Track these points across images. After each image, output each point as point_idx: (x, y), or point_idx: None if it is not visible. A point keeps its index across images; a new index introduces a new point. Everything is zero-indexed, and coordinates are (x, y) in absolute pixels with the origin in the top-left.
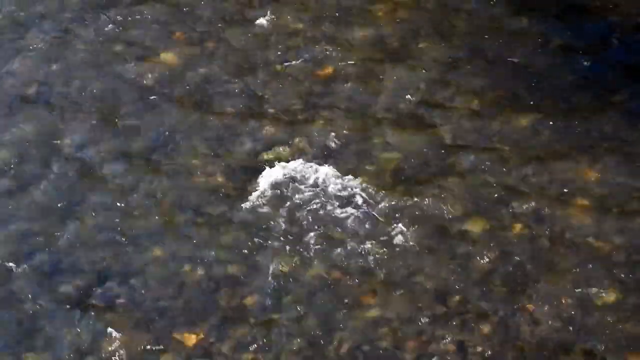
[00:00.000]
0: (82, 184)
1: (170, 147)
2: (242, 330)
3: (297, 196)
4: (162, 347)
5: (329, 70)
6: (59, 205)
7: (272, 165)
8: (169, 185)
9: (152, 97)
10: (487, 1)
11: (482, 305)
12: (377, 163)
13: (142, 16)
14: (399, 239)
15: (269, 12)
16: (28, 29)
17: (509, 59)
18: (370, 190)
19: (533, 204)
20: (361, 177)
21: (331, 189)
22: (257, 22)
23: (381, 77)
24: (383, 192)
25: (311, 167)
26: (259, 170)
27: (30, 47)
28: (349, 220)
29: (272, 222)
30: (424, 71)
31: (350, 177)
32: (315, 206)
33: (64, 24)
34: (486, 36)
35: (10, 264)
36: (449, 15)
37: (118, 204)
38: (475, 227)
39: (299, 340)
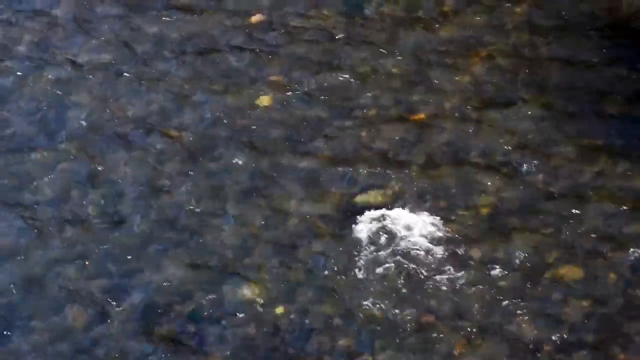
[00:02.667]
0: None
1: (266, 187)
2: None
3: (391, 239)
4: None
5: (424, 115)
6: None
7: (366, 209)
8: (262, 224)
9: (247, 138)
10: (583, 49)
11: (574, 356)
12: (472, 208)
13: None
14: (492, 285)
15: (367, 56)
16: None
17: (604, 107)
18: (464, 235)
19: (630, 252)
20: (455, 222)
21: (425, 233)
22: (353, 65)
23: (477, 123)
24: (477, 237)
25: (405, 211)
26: (353, 213)
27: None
28: (443, 265)
29: (364, 265)
30: (519, 118)
31: (444, 221)
32: (409, 249)
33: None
34: (582, 84)
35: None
36: (545, 63)
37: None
38: (569, 274)
39: None
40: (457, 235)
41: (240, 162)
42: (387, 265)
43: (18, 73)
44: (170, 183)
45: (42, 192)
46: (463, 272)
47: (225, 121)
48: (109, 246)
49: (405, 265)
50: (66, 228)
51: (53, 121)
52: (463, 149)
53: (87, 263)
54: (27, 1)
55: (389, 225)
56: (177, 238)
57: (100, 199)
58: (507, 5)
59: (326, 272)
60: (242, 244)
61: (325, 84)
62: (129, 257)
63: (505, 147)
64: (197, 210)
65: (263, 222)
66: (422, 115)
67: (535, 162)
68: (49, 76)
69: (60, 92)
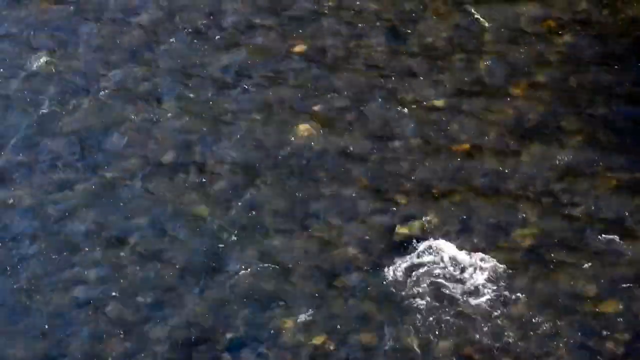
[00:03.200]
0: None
1: (306, 217)
2: None
3: (430, 271)
4: None
5: (466, 146)
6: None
7: (406, 239)
8: (303, 254)
9: (288, 167)
10: (627, 80)
11: None
12: (511, 240)
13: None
14: (531, 319)
15: (409, 87)
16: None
17: None
18: (503, 267)
19: None
20: (495, 254)
21: (464, 265)
22: (396, 96)
23: (518, 154)
24: (516, 270)
25: (445, 242)
26: (392, 244)
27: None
28: (481, 298)
29: (404, 296)
30: (561, 149)
31: (483, 254)
32: (447, 282)
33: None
34: (625, 116)
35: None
36: (588, 94)
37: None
38: (608, 308)
39: None
40: (496, 267)
41: (280, 191)
42: (426, 295)
43: None
44: (210, 210)
45: None
46: (501, 304)
47: (266, 150)
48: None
49: (444, 295)
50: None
51: None
52: (504, 180)
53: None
54: None
55: (429, 256)
56: (215, 266)
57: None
58: (549, 35)
59: (366, 302)
60: (283, 273)
61: (367, 114)
62: (167, 286)
63: (547, 178)
64: (235, 238)
65: (303, 251)
66: (465, 146)
67: (577, 193)
68: None
69: None
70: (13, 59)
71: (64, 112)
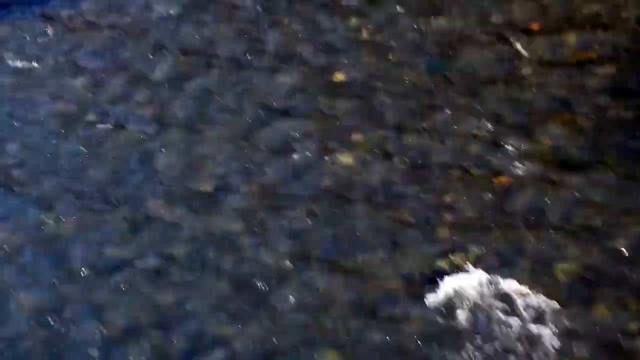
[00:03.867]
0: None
1: (346, 248)
2: None
3: (472, 306)
4: None
5: (507, 178)
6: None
7: (447, 273)
8: (344, 285)
9: (329, 197)
10: None
11: None
12: (553, 275)
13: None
14: (571, 352)
15: (449, 117)
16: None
17: None
18: (544, 302)
19: None
20: (536, 289)
21: (505, 298)
22: (435, 126)
23: (559, 187)
24: (557, 304)
25: (487, 276)
26: (434, 277)
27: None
28: (521, 329)
29: (447, 331)
30: (600, 182)
31: (525, 288)
32: (490, 316)
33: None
34: None
35: None
36: (629, 127)
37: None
38: None
39: None
40: (537, 300)
41: (321, 221)
42: (467, 328)
43: None
44: (246, 240)
45: None
46: (541, 338)
47: (306, 180)
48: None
49: (485, 329)
50: None
51: None
52: (543, 213)
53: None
54: None
55: (469, 289)
56: (254, 300)
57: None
58: (591, 66)
59: (407, 336)
60: (323, 304)
61: (408, 145)
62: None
63: (588, 211)
64: (273, 268)
65: (344, 283)
66: (505, 178)
67: (616, 227)
68: None
69: None
70: None
71: None
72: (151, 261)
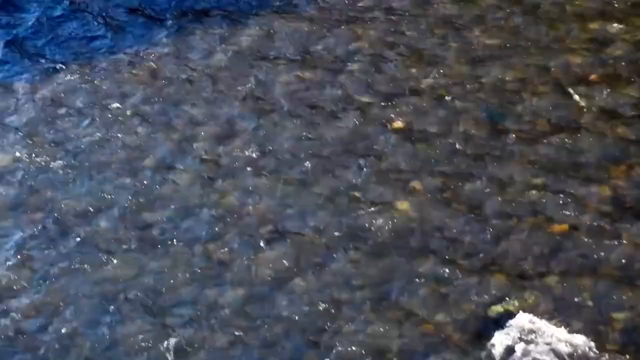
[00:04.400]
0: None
1: (399, 294)
2: None
3: (527, 353)
4: None
5: (563, 226)
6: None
7: (501, 319)
8: (396, 333)
9: (385, 243)
10: None
11: None
12: (607, 322)
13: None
14: None
15: (507, 165)
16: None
17: None
18: (598, 349)
19: None
20: (591, 336)
21: (561, 347)
22: (491, 175)
23: (617, 236)
24: (612, 352)
25: (542, 323)
26: (488, 324)
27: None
28: None
29: None
30: None
31: (580, 335)
32: None
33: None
34: None
35: None
36: None
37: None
38: None
39: None
40: (592, 349)
41: (375, 267)
42: None
43: None
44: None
45: None
46: None
47: (362, 226)
48: None
49: None
50: None
51: None
52: (601, 261)
53: None
54: None
55: (524, 337)
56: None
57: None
58: None
59: None
60: (377, 352)
61: (464, 192)
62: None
63: None
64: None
65: (397, 330)
66: (562, 226)
67: None
68: None
69: None
70: None
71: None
72: None
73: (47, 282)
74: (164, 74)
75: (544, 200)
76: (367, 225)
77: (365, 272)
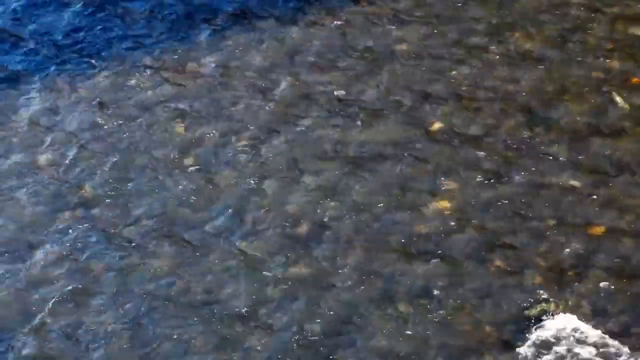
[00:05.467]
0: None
1: (441, 295)
2: None
3: (563, 353)
4: None
5: (601, 228)
6: None
7: (539, 320)
8: (434, 333)
9: (423, 244)
10: None
11: None
12: None
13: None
14: None
15: (547, 167)
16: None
17: None
18: (631, 350)
19: None
20: (630, 339)
21: (600, 349)
22: (529, 177)
23: None
24: None
25: (579, 325)
26: (526, 324)
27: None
28: None
29: None
30: None
31: (618, 337)
32: None
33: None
34: None
35: None
36: None
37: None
38: None
39: None
40: (629, 353)
41: (414, 268)
42: None
43: None
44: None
45: None
46: None
47: (401, 227)
48: None
49: None
50: None
51: None
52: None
53: None
54: None
55: (563, 339)
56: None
57: None
58: None
59: None
60: (416, 348)
61: (504, 193)
62: None
63: None
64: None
65: (436, 328)
66: (601, 229)
67: None
68: None
69: None
70: None
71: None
72: None
73: None
74: (205, 74)
75: (584, 202)
76: (404, 226)
77: (404, 272)
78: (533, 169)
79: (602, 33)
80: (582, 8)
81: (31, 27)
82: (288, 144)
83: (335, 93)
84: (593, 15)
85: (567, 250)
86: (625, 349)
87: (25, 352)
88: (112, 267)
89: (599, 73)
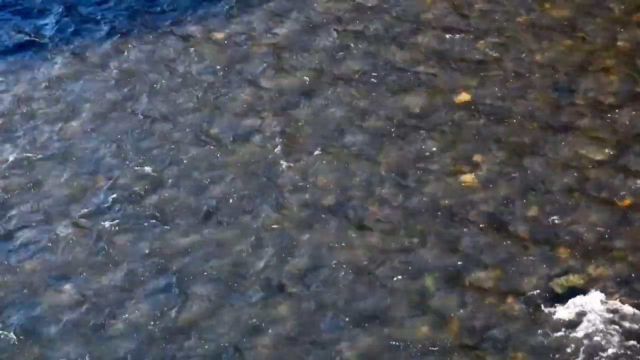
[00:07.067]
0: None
1: (462, 268)
2: None
3: (590, 326)
4: None
5: (627, 201)
6: None
7: (566, 292)
8: (461, 304)
9: (449, 215)
10: None
11: None
12: None
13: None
14: None
15: (572, 140)
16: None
17: None
18: None
19: None
20: None
21: (625, 321)
22: (555, 150)
23: None
24: None
25: (605, 297)
26: (551, 297)
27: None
28: (637, 353)
29: (564, 351)
30: None
31: None
32: (604, 336)
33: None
34: None
35: None
36: None
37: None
38: None
39: None
40: None
41: (440, 241)
42: (581, 349)
43: None
44: (369, 256)
45: None
46: None
47: (426, 199)
48: None
49: (601, 350)
50: None
51: None
52: None
53: None
54: None
55: (588, 310)
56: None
57: None
58: None
59: (520, 354)
60: (440, 322)
61: (528, 166)
62: None
63: None
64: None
65: (461, 301)
66: (626, 201)
67: None
68: None
69: None
70: None
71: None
72: None
73: None
74: (230, 45)
75: (609, 176)
76: (430, 198)
77: (430, 245)
78: (558, 140)
79: (628, 2)
80: None
81: None
82: (310, 115)
83: (362, 65)
84: None
85: (593, 223)
86: None
87: None
88: None
89: (626, 43)
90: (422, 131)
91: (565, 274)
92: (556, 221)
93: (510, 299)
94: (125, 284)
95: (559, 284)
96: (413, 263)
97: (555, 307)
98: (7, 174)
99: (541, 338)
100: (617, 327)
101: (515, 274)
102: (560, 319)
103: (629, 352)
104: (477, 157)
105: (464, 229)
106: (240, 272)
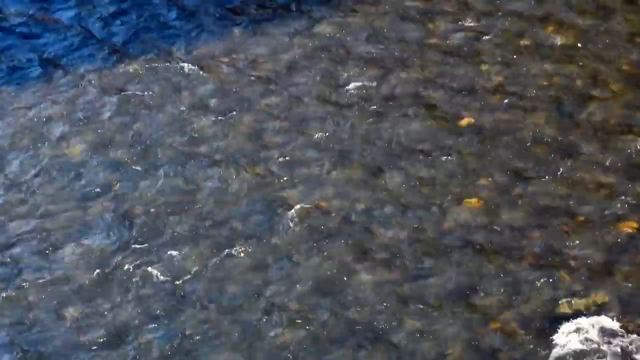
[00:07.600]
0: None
1: (466, 292)
2: None
3: (595, 351)
4: None
5: (633, 224)
6: None
7: (569, 317)
8: (463, 327)
9: (453, 240)
10: None
11: None
12: None
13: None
14: None
15: (577, 164)
16: None
17: None
18: None
19: None
20: None
21: (627, 345)
22: (560, 173)
23: None
24: None
25: (609, 321)
26: (555, 321)
27: None
28: None
29: None
30: None
31: None
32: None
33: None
34: None
35: None
36: None
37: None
38: None
39: None
40: None
41: (444, 264)
42: None
43: None
44: (373, 276)
45: None
46: None
47: (432, 224)
48: None
49: None
50: None
51: None
52: None
53: None
54: None
55: (592, 334)
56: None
57: None
58: None
59: None
60: (439, 346)
61: (532, 190)
62: None
63: None
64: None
65: (463, 325)
66: (632, 225)
67: None
68: None
69: None
70: None
71: None
72: None
73: None
74: (236, 69)
75: (614, 199)
76: (435, 222)
77: (434, 268)
78: (563, 164)
79: (636, 26)
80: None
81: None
82: (319, 139)
83: (368, 89)
84: (626, 8)
85: (598, 246)
86: None
87: None
88: None
89: (630, 66)
90: (424, 155)
91: (569, 298)
92: (560, 244)
93: (512, 324)
94: None
95: (562, 308)
96: (415, 290)
97: (558, 331)
98: None
99: None
100: (620, 350)
101: (518, 298)
102: (563, 344)
103: None
104: (481, 181)
105: (467, 254)
106: None
